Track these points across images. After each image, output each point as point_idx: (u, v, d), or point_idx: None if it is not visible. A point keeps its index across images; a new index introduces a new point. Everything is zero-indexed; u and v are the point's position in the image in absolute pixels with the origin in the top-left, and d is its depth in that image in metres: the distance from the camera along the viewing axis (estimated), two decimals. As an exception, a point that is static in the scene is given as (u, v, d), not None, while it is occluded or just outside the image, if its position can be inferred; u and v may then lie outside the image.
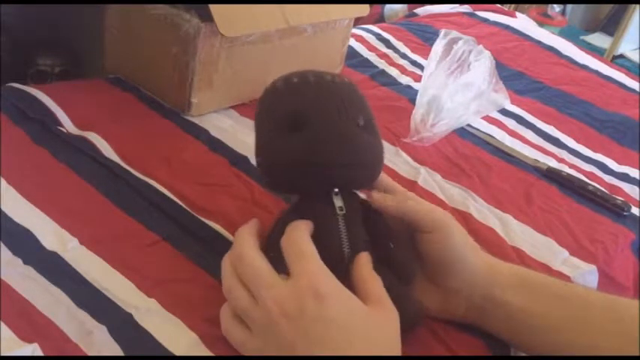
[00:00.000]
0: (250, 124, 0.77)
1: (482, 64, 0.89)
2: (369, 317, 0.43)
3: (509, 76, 1.04)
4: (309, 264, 0.44)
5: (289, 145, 0.49)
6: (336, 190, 0.49)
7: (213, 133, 0.73)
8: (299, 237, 0.46)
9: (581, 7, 2.64)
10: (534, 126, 0.91)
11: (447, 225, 0.50)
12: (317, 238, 0.46)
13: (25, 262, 0.51)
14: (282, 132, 0.49)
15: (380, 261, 0.48)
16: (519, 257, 0.64)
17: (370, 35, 1.09)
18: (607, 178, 0.82)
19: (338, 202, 0.49)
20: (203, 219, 0.59)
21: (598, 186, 0.78)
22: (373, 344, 0.42)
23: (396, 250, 0.50)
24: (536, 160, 0.82)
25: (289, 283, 0.43)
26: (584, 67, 1.15)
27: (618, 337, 0.48)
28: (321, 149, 0.48)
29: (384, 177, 0.54)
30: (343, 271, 0.46)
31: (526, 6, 2.46)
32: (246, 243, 0.47)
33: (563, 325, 0.49)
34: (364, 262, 0.47)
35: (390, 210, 0.51)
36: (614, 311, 0.50)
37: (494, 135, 0.86)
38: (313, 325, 0.41)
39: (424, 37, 1.12)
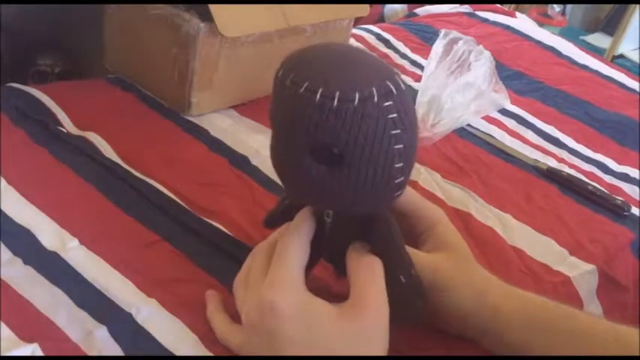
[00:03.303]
0: (250, 124, 0.78)
1: (482, 64, 0.89)
2: (340, 327, 0.42)
3: (509, 76, 1.03)
4: (279, 271, 0.43)
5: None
6: None
7: (213, 133, 0.73)
8: (288, 239, 0.44)
9: (581, 7, 2.64)
10: (534, 126, 0.91)
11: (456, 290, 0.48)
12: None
13: (25, 262, 0.51)
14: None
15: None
16: (519, 257, 0.64)
17: (370, 35, 1.09)
18: (607, 178, 0.82)
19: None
20: (203, 219, 0.59)
21: (598, 186, 0.78)
22: (343, 353, 0.41)
23: (404, 286, 0.45)
24: (536, 160, 0.82)
25: (258, 290, 0.43)
26: (584, 67, 1.15)
27: None
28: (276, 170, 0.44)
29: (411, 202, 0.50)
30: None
31: (526, 6, 2.46)
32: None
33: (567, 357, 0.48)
34: (354, 256, 0.45)
35: None
36: (619, 342, 0.49)
37: (494, 135, 0.86)
38: (272, 339, 0.41)
39: (424, 37, 1.12)
